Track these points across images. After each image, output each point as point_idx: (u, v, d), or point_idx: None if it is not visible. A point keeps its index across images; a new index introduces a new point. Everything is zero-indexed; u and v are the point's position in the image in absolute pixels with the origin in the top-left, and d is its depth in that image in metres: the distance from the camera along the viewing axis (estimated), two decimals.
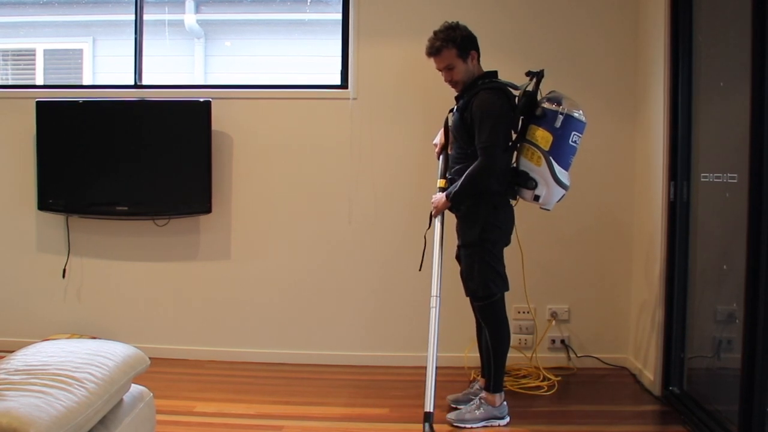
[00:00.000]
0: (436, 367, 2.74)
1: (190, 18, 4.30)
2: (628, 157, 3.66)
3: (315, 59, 4.17)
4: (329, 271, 3.76)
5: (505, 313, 2.95)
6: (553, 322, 3.71)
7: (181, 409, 3.02)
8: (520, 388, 3.33)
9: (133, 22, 3.85)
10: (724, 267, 2.84)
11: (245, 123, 3.76)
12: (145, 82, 3.87)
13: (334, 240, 3.74)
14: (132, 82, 3.86)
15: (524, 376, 3.49)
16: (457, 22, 2.91)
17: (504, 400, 2.95)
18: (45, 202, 3.73)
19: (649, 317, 3.40)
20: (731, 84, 2.79)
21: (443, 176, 3.05)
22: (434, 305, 2.81)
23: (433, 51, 2.89)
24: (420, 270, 3.06)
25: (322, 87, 3.81)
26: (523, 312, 3.69)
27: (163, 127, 3.70)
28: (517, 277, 3.68)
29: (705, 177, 2.98)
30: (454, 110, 2.97)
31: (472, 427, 2.89)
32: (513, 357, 3.66)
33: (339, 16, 3.76)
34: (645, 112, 3.52)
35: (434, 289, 2.84)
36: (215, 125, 3.69)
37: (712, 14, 3.01)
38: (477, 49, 2.92)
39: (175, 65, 4.33)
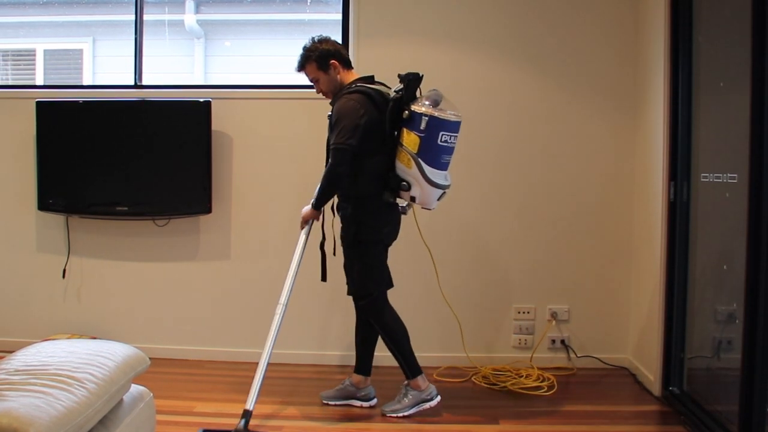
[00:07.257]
0: (265, 372, 2.79)
1: (190, 18, 4.30)
2: (628, 157, 3.66)
3: None
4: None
5: (387, 307, 3.01)
6: (553, 322, 3.71)
7: (181, 409, 3.02)
8: (520, 388, 3.33)
9: (133, 22, 3.85)
10: (724, 267, 2.84)
11: (245, 123, 3.76)
12: (145, 82, 3.87)
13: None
14: (132, 82, 3.86)
15: (524, 376, 3.48)
16: (320, 37, 2.97)
17: (428, 381, 3.03)
18: (45, 203, 3.73)
19: (649, 317, 3.39)
20: (731, 84, 2.79)
21: None
22: (279, 312, 2.86)
23: (297, 67, 3.01)
24: (323, 280, 3.08)
25: None
26: (524, 312, 3.69)
27: (163, 127, 3.69)
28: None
29: (705, 177, 2.97)
30: None
31: (404, 414, 2.96)
32: (513, 357, 3.67)
33: (339, 16, 3.76)
34: (645, 112, 3.52)
35: (283, 297, 2.88)
36: (215, 125, 3.69)
37: (712, 14, 3.01)
38: (339, 59, 2.96)
39: (175, 65, 4.33)
